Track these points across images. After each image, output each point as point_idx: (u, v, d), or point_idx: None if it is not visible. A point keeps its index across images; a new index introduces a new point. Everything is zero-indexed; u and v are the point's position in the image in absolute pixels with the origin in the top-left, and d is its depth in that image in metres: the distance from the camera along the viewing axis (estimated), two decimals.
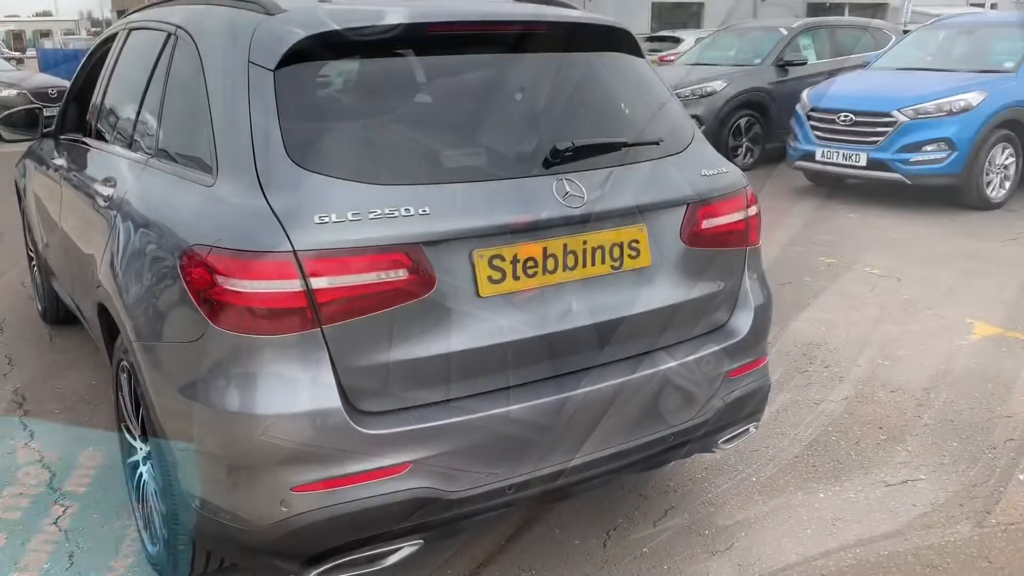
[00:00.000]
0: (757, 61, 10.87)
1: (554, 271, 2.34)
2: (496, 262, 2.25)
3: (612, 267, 2.43)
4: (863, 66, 9.87)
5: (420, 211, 2.15)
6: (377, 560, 2.23)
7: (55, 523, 3.13)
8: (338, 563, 2.18)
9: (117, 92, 3.44)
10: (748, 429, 2.85)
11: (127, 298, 2.52)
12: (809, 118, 8.55)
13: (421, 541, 2.24)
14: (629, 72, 2.77)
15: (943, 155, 7.63)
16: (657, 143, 2.62)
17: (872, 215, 7.87)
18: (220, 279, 2.07)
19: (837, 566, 2.80)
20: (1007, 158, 7.93)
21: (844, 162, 8.18)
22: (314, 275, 2.04)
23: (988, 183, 7.86)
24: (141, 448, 2.82)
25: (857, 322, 5.08)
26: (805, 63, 10.83)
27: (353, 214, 2.09)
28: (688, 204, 2.59)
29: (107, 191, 2.91)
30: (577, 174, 2.38)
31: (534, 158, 2.38)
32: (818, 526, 3.03)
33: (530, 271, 2.30)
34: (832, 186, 9.20)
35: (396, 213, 2.12)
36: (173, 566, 2.57)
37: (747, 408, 2.78)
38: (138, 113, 3.03)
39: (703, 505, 3.17)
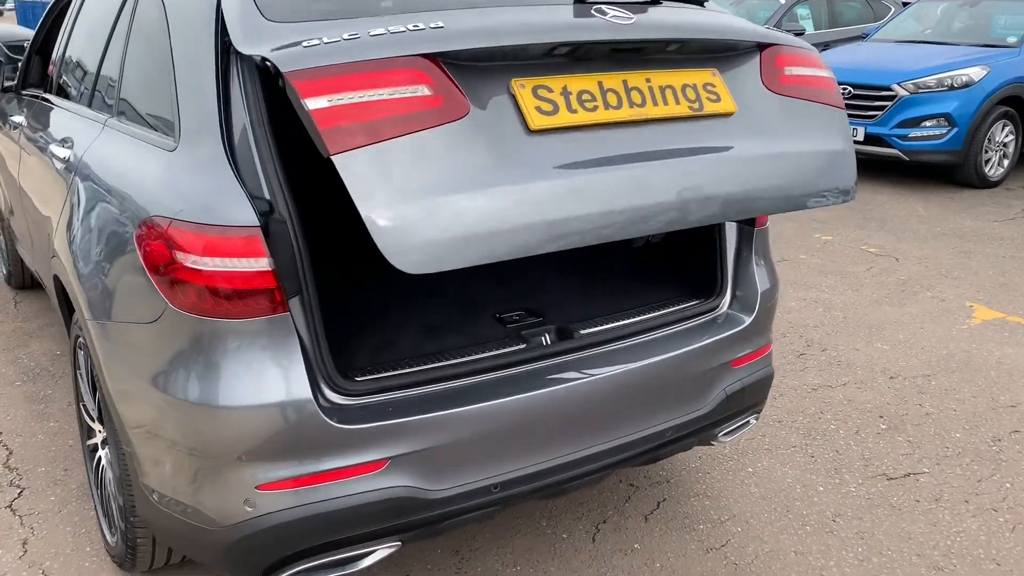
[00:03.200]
0: None
1: (618, 107, 2.02)
2: (542, 92, 1.95)
3: (691, 108, 2.12)
4: (862, 37, 9.64)
5: (432, 25, 1.89)
6: (350, 563, 2.05)
7: (9, 506, 2.94)
8: (308, 567, 2.01)
9: (78, 45, 3.19)
10: (749, 421, 2.69)
11: (81, 271, 2.31)
12: None
13: (399, 543, 2.07)
14: None
15: (942, 131, 7.45)
16: (702, 4, 2.36)
17: (868, 191, 7.70)
18: (179, 255, 1.87)
19: (838, 566, 2.66)
20: (1007, 135, 7.76)
21: None
22: (312, 95, 1.72)
23: (987, 161, 7.70)
24: (100, 431, 2.63)
25: (854, 303, 4.93)
26: (803, 33, 10.57)
27: (350, 35, 1.84)
28: (762, 49, 2.31)
29: (64, 152, 2.68)
30: (619, 7, 2.12)
31: None
32: (818, 522, 2.88)
33: (588, 104, 1.98)
34: None
35: (403, 29, 1.86)
36: (132, 560, 2.40)
37: (749, 399, 2.61)
38: (99, 68, 2.80)
39: (697, 498, 3.02)
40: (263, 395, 1.87)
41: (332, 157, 1.68)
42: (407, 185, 1.74)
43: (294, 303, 1.91)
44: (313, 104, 1.70)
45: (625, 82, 2.05)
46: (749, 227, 2.61)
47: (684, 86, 2.14)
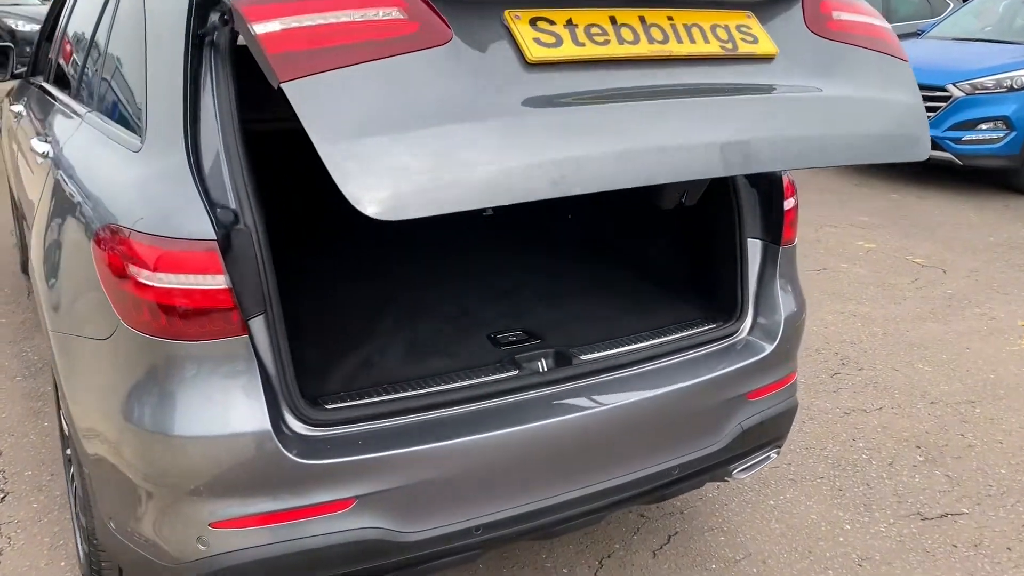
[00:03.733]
0: None
1: (635, 42, 1.77)
2: (542, 24, 1.71)
3: (723, 48, 1.87)
4: (917, 34, 9.23)
5: None
6: None
7: None
8: None
9: (70, 33, 3.06)
10: (769, 455, 2.46)
11: (46, 276, 2.17)
12: None
13: None
14: None
15: (1000, 135, 7.07)
16: None
17: (916, 196, 7.34)
18: (132, 268, 1.70)
19: None
20: None
21: None
22: (260, 20, 1.53)
23: None
24: None
25: (896, 318, 4.64)
26: None
27: None
28: None
29: (43, 147, 2.54)
30: None
31: None
32: (842, 566, 2.65)
33: (598, 38, 1.74)
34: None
35: None
36: None
37: (769, 434, 2.38)
38: (85, 58, 2.66)
39: (712, 532, 2.79)
40: (217, 425, 1.70)
41: (282, 86, 1.47)
42: (375, 117, 1.51)
43: (257, 323, 1.74)
44: (261, 29, 1.51)
45: (642, 18, 1.81)
46: (774, 245, 2.38)
47: (713, 26, 1.88)
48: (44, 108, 3.05)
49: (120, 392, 1.77)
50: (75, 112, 2.53)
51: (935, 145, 7.28)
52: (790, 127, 1.87)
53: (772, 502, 2.97)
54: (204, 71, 1.83)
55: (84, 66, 2.65)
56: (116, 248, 1.74)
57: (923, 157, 2.00)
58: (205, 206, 1.69)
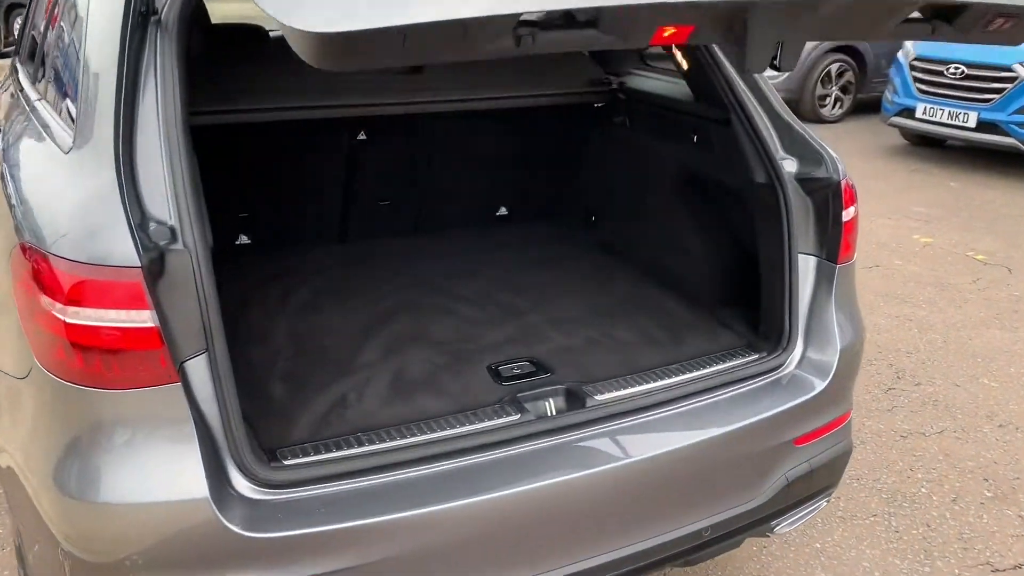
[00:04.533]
0: None
1: None
2: None
3: None
4: None
5: None
6: None
7: None
8: None
9: (36, 10, 2.77)
10: (818, 505, 2.11)
11: None
12: (912, 68, 7.48)
13: None
14: None
15: None
16: None
17: (978, 186, 6.84)
18: (45, 300, 1.40)
19: None
20: None
21: (949, 121, 7.12)
22: None
23: None
24: None
25: (956, 324, 4.22)
26: None
27: None
28: None
29: None
30: None
31: None
32: None
33: None
34: (932, 148, 8.11)
35: None
36: None
37: (818, 484, 2.04)
38: (42, 39, 2.37)
39: None
40: (143, 491, 1.41)
41: None
42: None
43: (195, 365, 1.44)
44: None
45: None
46: (830, 262, 2.02)
47: None
48: (10, 94, 2.77)
49: (36, 444, 1.49)
50: (27, 100, 2.23)
51: (999, 130, 6.79)
52: None
53: (818, 544, 2.62)
54: (146, 55, 1.54)
55: (40, 48, 2.36)
56: (30, 273, 1.44)
57: None
58: (130, 225, 1.38)
